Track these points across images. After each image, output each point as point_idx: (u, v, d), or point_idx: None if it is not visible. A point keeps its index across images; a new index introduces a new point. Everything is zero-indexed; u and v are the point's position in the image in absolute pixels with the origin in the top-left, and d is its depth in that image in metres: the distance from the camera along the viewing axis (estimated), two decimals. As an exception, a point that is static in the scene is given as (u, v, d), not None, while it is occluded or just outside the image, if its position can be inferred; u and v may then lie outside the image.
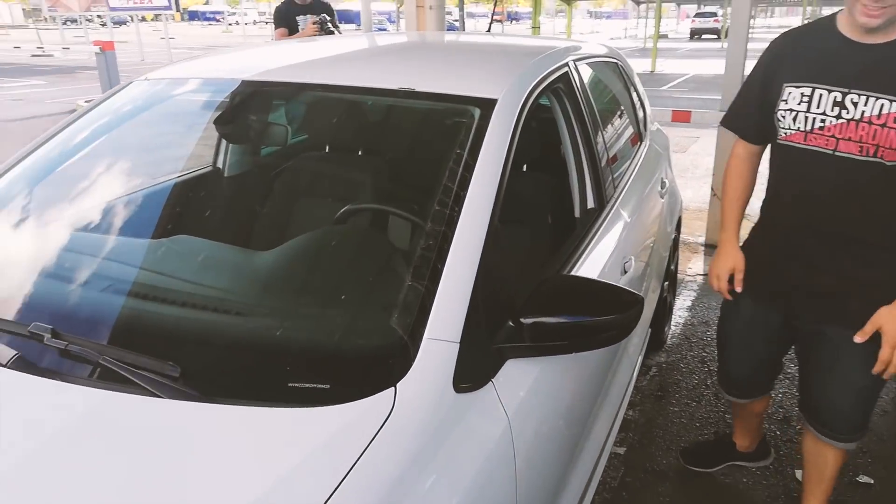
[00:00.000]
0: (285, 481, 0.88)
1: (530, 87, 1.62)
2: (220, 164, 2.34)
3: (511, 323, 1.18)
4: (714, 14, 34.09)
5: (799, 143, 1.66)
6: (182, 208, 1.88)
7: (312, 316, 1.28)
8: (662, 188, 2.80)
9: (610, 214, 1.99)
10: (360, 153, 1.94)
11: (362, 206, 1.69)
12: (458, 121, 1.50)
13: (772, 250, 1.84)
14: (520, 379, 1.23)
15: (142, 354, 1.06)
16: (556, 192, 1.97)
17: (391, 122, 1.90)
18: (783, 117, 1.67)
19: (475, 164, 1.34)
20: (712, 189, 4.64)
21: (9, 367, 1.08)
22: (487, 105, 1.48)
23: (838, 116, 1.58)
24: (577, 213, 1.89)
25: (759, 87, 1.75)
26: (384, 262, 1.43)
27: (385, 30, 45.38)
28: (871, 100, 1.53)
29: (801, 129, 1.64)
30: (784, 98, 1.66)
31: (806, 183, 1.70)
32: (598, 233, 1.85)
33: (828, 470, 1.96)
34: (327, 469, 0.89)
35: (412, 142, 1.80)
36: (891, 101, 1.51)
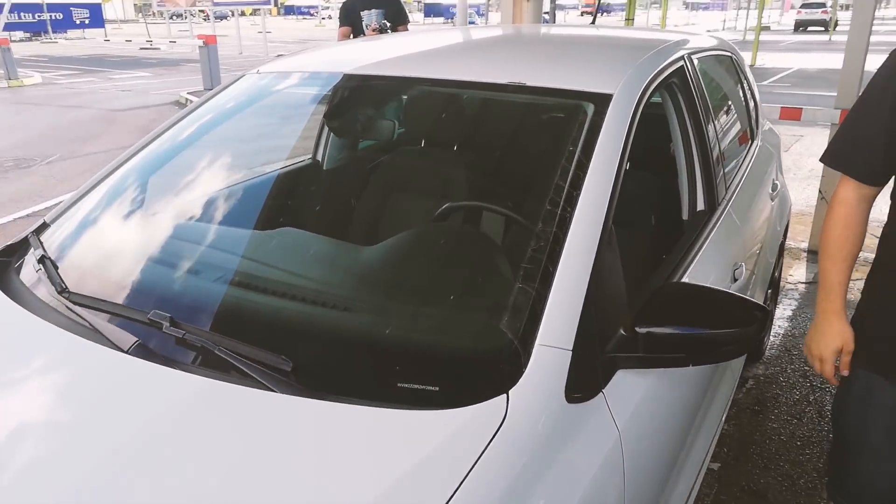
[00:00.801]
0: (400, 484, 0.87)
1: (646, 83, 1.54)
2: (319, 157, 2.38)
3: (623, 332, 1.13)
4: (823, 4, 32.16)
5: None
6: (286, 200, 1.92)
7: (425, 315, 1.26)
8: (774, 191, 2.64)
9: (721, 218, 1.88)
10: (468, 149, 1.92)
11: (467, 203, 1.66)
12: (570, 116, 1.45)
13: None
14: (630, 390, 1.17)
15: (255, 347, 1.08)
16: (665, 192, 1.88)
17: (501, 118, 1.86)
18: None
19: (589, 162, 1.28)
20: (820, 192, 4.37)
21: (129, 354, 1.12)
22: (602, 100, 1.42)
23: None
24: (685, 216, 1.80)
25: (886, 111, 1.33)
26: (495, 263, 1.40)
27: (474, 23, 45.30)
28: None
29: None
30: None
31: None
32: (710, 237, 1.75)
33: None
34: (443, 474, 0.88)
35: (522, 138, 1.75)
36: None
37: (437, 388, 1.02)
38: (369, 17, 5.12)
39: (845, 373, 1.51)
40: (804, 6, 33.02)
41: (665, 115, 1.83)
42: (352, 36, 5.16)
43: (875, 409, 1.48)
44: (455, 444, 0.92)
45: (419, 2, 53.32)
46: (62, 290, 1.31)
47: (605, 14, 51.75)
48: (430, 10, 49.91)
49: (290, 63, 2.00)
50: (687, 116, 1.80)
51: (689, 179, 1.80)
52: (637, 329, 1.12)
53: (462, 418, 0.95)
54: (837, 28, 27.70)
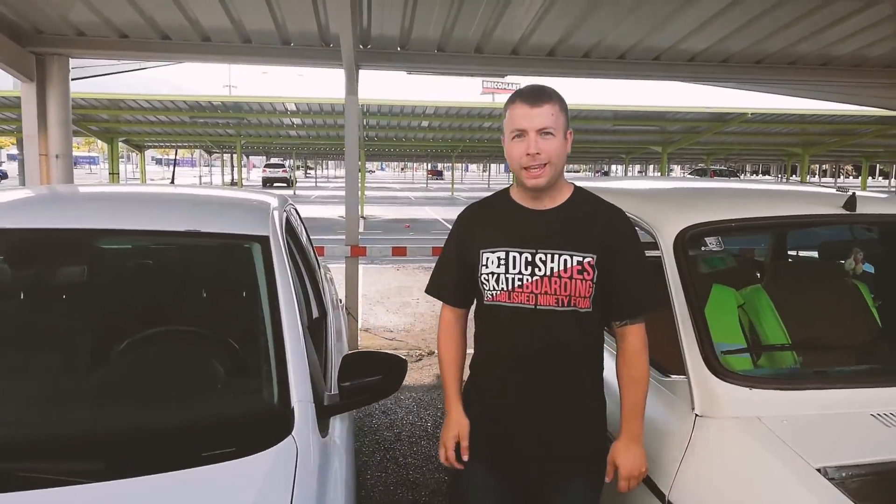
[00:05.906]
0: None
1: (283, 226, 2.16)
2: None
3: (334, 388, 1.69)
4: (283, 165, 37.86)
5: (504, 301, 1.76)
6: None
7: (217, 395, 1.66)
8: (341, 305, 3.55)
9: (330, 319, 2.63)
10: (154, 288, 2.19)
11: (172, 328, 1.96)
12: (244, 252, 1.99)
13: (490, 407, 1.84)
14: (338, 425, 1.73)
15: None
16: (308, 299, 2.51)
17: (182, 261, 2.25)
18: (486, 280, 1.77)
19: (276, 277, 1.86)
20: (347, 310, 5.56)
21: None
22: (265, 240, 2.00)
23: (532, 274, 1.73)
24: (315, 315, 2.46)
25: (455, 255, 1.88)
26: (248, 356, 1.78)
27: None
28: (556, 256, 1.72)
29: (505, 288, 1.76)
30: (483, 263, 1.78)
31: (515, 338, 1.77)
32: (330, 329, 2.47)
33: None
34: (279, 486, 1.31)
35: (202, 274, 2.18)
36: (571, 255, 1.71)
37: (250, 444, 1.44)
38: None
39: (465, 457, 1.83)
40: (268, 166, 38.16)
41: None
42: None
43: (470, 480, 1.88)
44: (280, 466, 1.40)
45: None
46: None
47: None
48: None
49: None
50: (296, 252, 2.47)
51: (314, 289, 2.47)
52: (341, 384, 1.69)
53: (275, 453, 1.43)
54: (298, 184, 32.64)
